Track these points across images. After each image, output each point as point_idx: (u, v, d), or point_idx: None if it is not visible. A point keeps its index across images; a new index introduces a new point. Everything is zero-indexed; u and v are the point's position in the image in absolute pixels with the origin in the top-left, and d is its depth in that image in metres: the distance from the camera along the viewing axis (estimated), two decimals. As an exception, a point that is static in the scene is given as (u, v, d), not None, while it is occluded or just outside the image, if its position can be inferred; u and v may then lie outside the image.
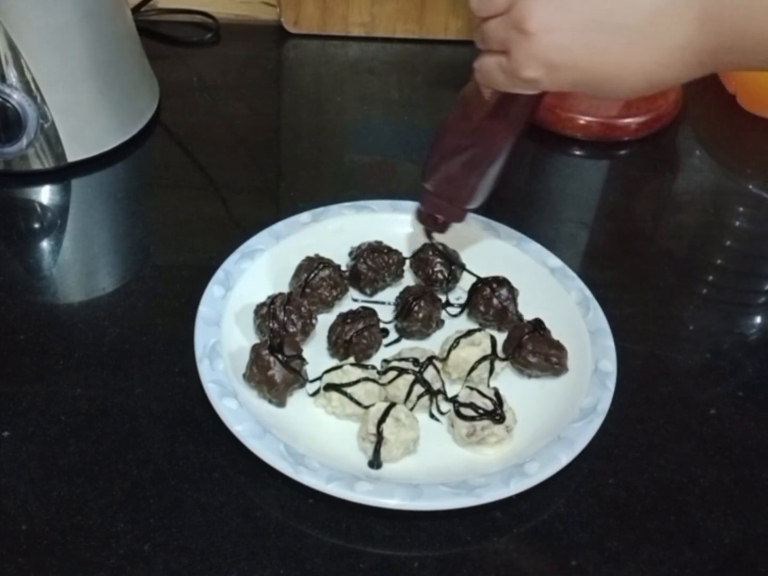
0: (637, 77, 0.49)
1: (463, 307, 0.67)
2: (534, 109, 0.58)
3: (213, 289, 0.63)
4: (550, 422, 0.58)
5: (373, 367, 0.60)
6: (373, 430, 0.54)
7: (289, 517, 0.53)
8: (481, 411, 0.56)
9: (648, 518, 0.54)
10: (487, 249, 0.70)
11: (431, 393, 0.58)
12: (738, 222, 0.82)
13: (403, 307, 0.64)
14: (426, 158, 0.62)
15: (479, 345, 0.61)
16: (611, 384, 0.59)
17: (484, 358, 0.60)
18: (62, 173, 0.76)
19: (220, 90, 0.91)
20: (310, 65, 0.97)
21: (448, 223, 0.65)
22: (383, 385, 0.59)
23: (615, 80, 0.49)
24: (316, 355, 0.61)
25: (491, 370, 0.61)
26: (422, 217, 0.66)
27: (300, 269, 0.66)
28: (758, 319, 0.71)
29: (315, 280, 0.64)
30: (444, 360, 0.61)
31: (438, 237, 0.68)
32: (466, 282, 0.68)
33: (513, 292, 0.65)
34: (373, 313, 0.63)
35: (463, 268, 0.68)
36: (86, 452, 0.55)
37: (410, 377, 0.58)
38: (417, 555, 0.52)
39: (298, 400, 0.59)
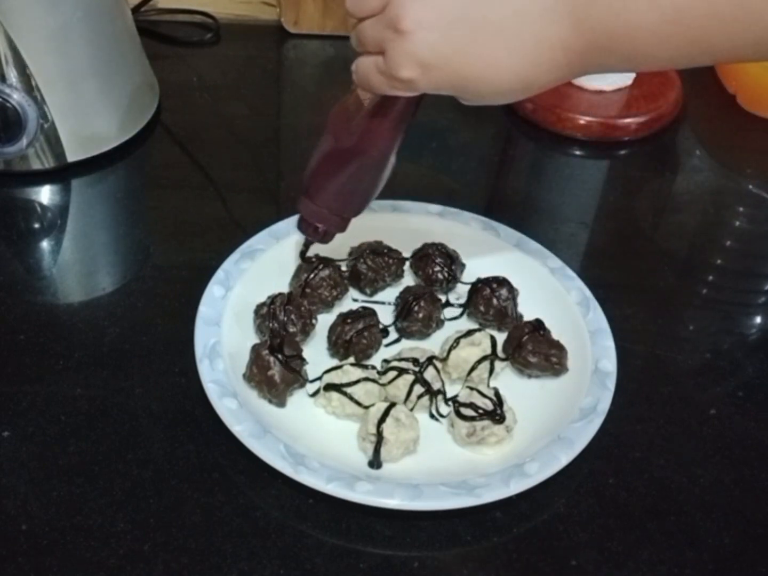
0: (506, 78, 0.48)
1: (463, 307, 0.67)
2: (414, 112, 0.57)
3: (213, 289, 0.63)
4: (550, 422, 0.58)
5: (373, 367, 0.60)
6: (373, 430, 0.54)
7: (289, 517, 0.53)
8: (481, 411, 0.56)
9: (648, 518, 0.54)
10: (487, 249, 0.70)
11: (431, 393, 0.58)
12: (738, 222, 0.82)
13: (403, 307, 0.64)
14: (307, 165, 0.61)
15: (479, 345, 0.61)
16: (611, 384, 0.59)
17: (484, 358, 0.60)
18: (62, 173, 0.76)
19: (220, 90, 0.91)
20: (310, 65, 0.97)
21: (330, 233, 0.63)
22: (383, 385, 0.59)
23: (485, 81, 0.49)
24: (316, 355, 0.61)
25: (491, 370, 0.61)
26: (303, 226, 0.63)
27: (300, 269, 0.66)
28: (758, 319, 0.71)
29: (315, 280, 0.64)
30: (444, 360, 0.61)
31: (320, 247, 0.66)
32: (465, 280, 0.68)
33: (513, 292, 0.65)
34: (373, 313, 0.63)
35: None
36: (86, 452, 0.55)
37: (410, 377, 0.58)
38: (417, 555, 0.52)
39: (298, 400, 0.59)
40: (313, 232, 0.63)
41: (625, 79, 0.89)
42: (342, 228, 0.63)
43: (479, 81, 0.49)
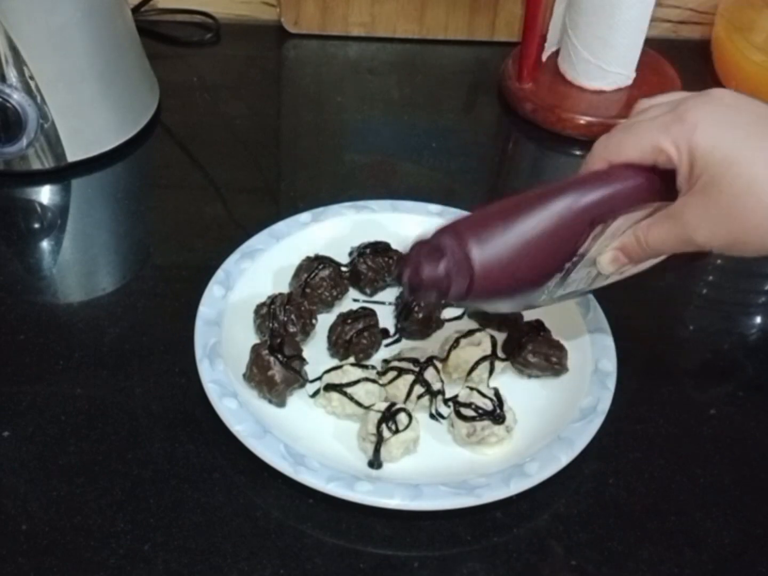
0: None
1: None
2: None
3: (213, 289, 0.63)
4: (550, 422, 0.58)
5: (373, 367, 0.60)
6: (373, 430, 0.54)
7: (289, 517, 0.53)
8: (481, 411, 0.56)
9: (648, 518, 0.54)
10: (487, 249, 0.70)
11: (431, 393, 0.58)
12: (738, 222, 0.82)
13: (403, 307, 0.64)
14: (483, 207, 0.49)
15: (479, 345, 0.61)
16: (611, 384, 0.59)
17: (484, 358, 0.60)
18: (62, 173, 0.76)
19: (220, 90, 0.91)
20: (310, 65, 0.97)
21: (452, 295, 0.48)
22: (383, 385, 0.59)
23: None
24: (316, 355, 0.61)
25: (491, 370, 0.61)
26: (424, 258, 0.48)
27: (300, 269, 0.66)
28: (758, 319, 0.71)
29: (315, 280, 0.64)
30: (444, 360, 0.61)
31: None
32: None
33: (513, 292, 0.65)
34: (373, 313, 0.63)
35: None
36: (86, 452, 0.55)
37: (410, 377, 0.58)
38: (417, 555, 0.52)
39: (298, 400, 0.59)
40: (430, 283, 0.47)
41: (625, 79, 0.89)
42: (466, 298, 0.48)
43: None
